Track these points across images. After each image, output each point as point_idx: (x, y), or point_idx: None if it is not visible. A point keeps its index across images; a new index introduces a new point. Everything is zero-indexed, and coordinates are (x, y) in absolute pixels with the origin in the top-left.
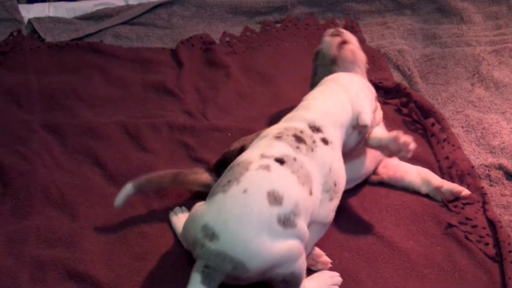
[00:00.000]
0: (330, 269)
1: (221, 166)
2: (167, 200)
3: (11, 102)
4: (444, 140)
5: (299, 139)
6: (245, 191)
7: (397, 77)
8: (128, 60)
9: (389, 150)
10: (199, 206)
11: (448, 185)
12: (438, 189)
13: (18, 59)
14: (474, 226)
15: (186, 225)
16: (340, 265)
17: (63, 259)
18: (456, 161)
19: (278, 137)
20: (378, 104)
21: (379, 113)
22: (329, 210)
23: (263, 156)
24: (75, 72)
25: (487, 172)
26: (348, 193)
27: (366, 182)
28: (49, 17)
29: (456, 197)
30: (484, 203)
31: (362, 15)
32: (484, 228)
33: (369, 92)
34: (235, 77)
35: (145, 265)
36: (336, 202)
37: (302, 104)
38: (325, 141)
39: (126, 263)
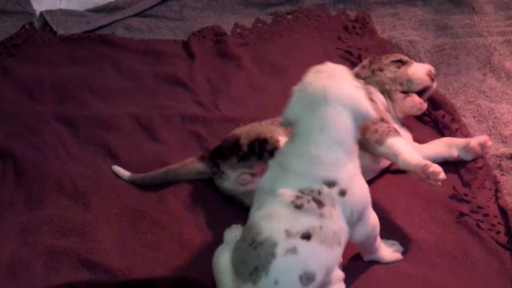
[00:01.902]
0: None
1: (215, 155)
2: (179, 189)
3: (23, 94)
4: (456, 130)
5: (320, 203)
6: (276, 283)
7: None
8: (140, 52)
9: (416, 175)
10: None
11: (474, 140)
12: (467, 146)
13: (30, 51)
14: (486, 215)
15: None
16: (352, 254)
17: (76, 248)
18: None
19: (299, 206)
20: None
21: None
22: (360, 232)
23: (288, 234)
24: (87, 64)
25: (498, 162)
26: None
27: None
28: (61, 10)
29: (483, 148)
30: (496, 191)
31: (373, 6)
32: (495, 216)
33: (358, 83)
34: (246, 69)
35: (158, 254)
36: (363, 224)
37: (306, 150)
38: (342, 193)
39: (139, 252)
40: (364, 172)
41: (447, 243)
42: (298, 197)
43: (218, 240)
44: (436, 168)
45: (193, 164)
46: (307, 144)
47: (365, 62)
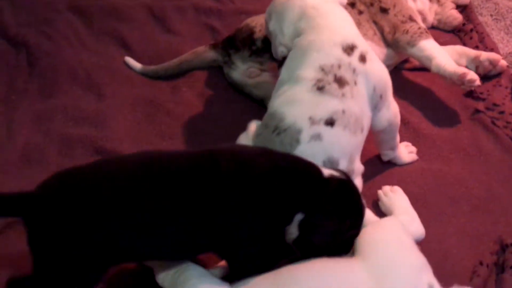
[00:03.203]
0: None
1: (228, 44)
2: (193, 80)
3: None
4: (471, 30)
5: (340, 81)
6: None
7: None
8: None
9: (450, 80)
10: None
11: (485, 54)
12: (476, 59)
13: None
14: (501, 112)
15: None
16: (367, 149)
17: (90, 136)
18: (485, 50)
19: (321, 88)
20: None
21: None
22: (383, 118)
23: (312, 121)
24: None
25: None
26: None
27: (396, 68)
28: None
29: (494, 67)
30: None
31: None
32: (511, 114)
33: None
34: None
35: (172, 143)
36: (386, 108)
37: (315, 24)
38: (362, 57)
39: (153, 141)
40: None
41: (462, 139)
42: (319, 80)
43: (230, 130)
44: (473, 76)
45: (206, 53)
46: (319, 17)
47: None
